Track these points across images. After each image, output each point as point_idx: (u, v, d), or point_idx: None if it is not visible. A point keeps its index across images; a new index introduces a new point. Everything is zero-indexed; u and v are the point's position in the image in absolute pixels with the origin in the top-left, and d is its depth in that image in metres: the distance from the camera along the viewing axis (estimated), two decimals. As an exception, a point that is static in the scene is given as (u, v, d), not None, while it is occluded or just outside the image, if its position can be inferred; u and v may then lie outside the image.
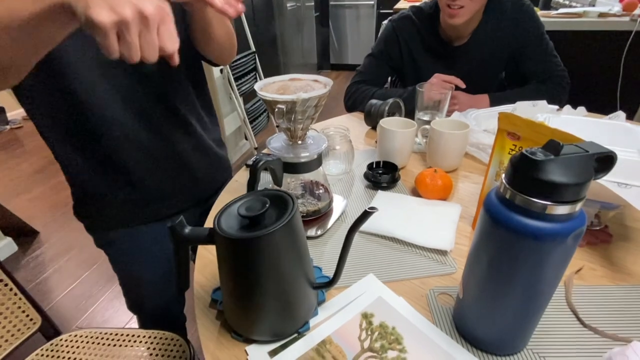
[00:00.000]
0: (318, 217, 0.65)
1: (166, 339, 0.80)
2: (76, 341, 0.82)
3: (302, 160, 0.59)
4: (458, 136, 0.78)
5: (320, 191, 0.66)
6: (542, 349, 0.41)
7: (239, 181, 0.83)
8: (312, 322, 0.46)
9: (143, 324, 0.89)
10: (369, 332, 0.44)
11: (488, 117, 0.96)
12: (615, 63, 1.66)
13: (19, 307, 0.77)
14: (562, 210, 0.31)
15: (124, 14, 0.36)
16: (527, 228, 0.32)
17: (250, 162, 0.89)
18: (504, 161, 0.55)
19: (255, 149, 2.58)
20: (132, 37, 0.37)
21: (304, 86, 0.58)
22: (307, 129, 0.59)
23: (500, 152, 0.56)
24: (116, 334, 0.82)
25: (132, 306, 0.86)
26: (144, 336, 0.81)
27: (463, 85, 1.00)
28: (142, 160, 0.72)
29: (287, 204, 0.42)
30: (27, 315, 0.79)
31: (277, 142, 0.62)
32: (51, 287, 1.65)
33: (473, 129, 0.86)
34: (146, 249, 0.80)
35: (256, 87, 0.57)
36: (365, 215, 0.40)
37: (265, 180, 0.82)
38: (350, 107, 1.22)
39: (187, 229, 0.43)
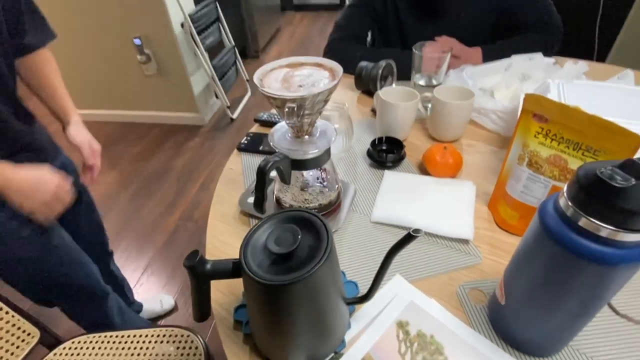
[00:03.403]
0: (330, 211, 0.61)
1: (176, 335, 0.79)
2: (81, 347, 0.79)
3: (311, 156, 0.53)
4: (462, 106, 0.73)
5: (330, 181, 0.61)
6: (580, 344, 0.42)
7: (233, 169, 0.76)
8: (347, 336, 0.45)
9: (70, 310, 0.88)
10: (408, 344, 0.43)
11: (484, 73, 0.91)
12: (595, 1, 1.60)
13: (14, 325, 0.72)
14: (634, 237, 0.29)
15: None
16: (593, 253, 0.30)
17: (242, 145, 0.81)
18: (528, 144, 0.52)
19: (228, 107, 2.41)
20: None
21: (307, 75, 0.50)
22: (314, 123, 0.53)
23: (525, 135, 0.52)
24: (122, 336, 0.80)
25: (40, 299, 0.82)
26: (152, 335, 0.79)
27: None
28: None
29: (317, 228, 0.38)
30: (24, 331, 0.73)
31: (281, 138, 0.54)
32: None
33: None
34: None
35: (256, 80, 0.49)
36: (408, 238, 0.36)
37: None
38: None
39: (209, 265, 0.38)
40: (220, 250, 0.57)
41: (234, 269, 0.38)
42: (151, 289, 1.36)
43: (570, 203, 0.31)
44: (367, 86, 0.98)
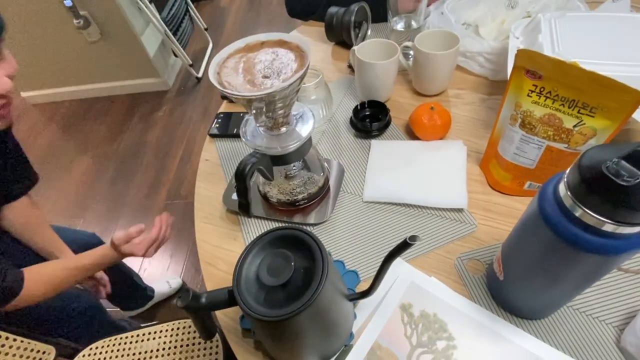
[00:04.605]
0: (320, 198, 0.58)
1: (189, 326, 0.81)
2: (100, 352, 0.81)
3: (291, 149, 0.49)
4: (447, 56, 0.66)
5: (315, 165, 0.58)
6: (573, 302, 0.44)
7: (210, 160, 0.71)
8: (354, 328, 0.46)
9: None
10: (413, 326, 0.45)
11: (466, 5, 0.83)
12: None
13: (26, 349, 0.73)
14: (635, 230, 0.27)
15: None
16: (591, 245, 0.29)
17: (213, 130, 0.75)
18: (521, 104, 0.48)
19: (191, 65, 2.21)
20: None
21: (271, 61, 0.43)
22: (288, 115, 0.47)
23: (517, 93, 0.48)
24: (138, 335, 0.82)
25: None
26: (166, 330, 0.81)
27: None
28: None
29: (309, 245, 0.36)
30: (38, 351, 0.74)
31: (255, 134, 0.49)
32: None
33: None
34: None
35: (212, 77, 0.42)
36: (405, 245, 0.35)
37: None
38: (296, 13, 0.99)
39: (203, 299, 0.37)
40: (214, 256, 0.56)
41: (230, 299, 0.37)
42: (155, 272, 1.38)
43: (569, 194, 0.29)
44: (340, 36, 0.89)
